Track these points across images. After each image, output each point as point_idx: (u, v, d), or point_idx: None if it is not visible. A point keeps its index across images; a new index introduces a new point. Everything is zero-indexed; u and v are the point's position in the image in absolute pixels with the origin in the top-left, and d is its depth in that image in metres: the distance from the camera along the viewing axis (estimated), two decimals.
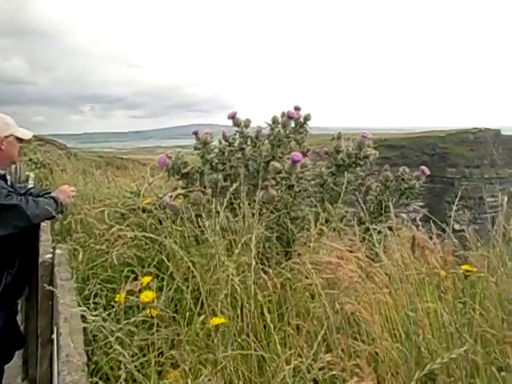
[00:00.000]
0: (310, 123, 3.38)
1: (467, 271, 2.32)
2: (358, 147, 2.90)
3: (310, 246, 2.27)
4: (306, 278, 1.98)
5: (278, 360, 1.50)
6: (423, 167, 3.15)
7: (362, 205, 3.03)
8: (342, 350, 1.78)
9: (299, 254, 2.26)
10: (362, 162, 2.91)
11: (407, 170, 3.16)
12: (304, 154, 3.49)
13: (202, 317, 1.71)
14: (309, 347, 1.55)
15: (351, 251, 2.17)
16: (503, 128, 66.12)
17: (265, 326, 1.76)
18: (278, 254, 2.52)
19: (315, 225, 2.74)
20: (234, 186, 2.73)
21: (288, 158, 2.70)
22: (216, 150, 3.33)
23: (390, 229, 3.39)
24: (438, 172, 54.22)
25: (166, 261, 2.18)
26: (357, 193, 3.04)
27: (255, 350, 1.57)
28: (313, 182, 2.82)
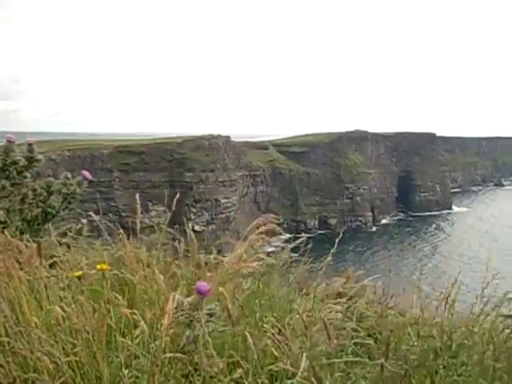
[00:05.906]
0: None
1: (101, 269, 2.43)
2: (3, 152, 2.73)
3: None
4: None
5: None
6: (84, 172, 3.17)
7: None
8: None
9: None
10: (11, 168, 2.75)
11: (69, 175, 3.13)
12: None
13: None
14: None
15: None
16: (232, 135, 73.12)
17: None
18: None
19: None
20: None
21: None
22: None
23: (65, 235, 3.33)
24: (177, 177, 56.81)
25: None
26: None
27: None
28: None
